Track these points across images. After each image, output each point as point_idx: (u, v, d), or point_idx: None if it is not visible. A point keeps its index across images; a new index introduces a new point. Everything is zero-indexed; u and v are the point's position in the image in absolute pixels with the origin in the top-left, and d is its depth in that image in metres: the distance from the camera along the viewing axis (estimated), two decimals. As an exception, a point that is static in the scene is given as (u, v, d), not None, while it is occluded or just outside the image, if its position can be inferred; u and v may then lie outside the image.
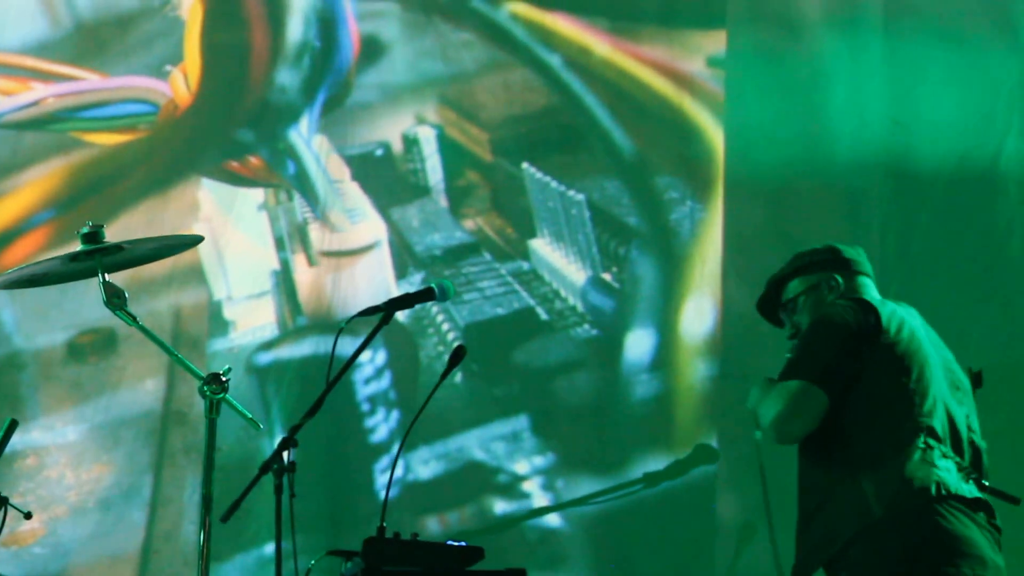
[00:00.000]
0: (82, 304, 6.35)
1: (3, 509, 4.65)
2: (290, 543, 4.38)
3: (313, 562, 4.86)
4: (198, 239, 5.41)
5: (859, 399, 4.27)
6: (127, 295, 4.60)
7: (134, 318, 4.57)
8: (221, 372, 4.48)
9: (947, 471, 4.09)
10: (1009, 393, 6.16)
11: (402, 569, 4.57)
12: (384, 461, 6.58)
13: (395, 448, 6.61)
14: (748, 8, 6.35)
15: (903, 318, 4.26)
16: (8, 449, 4.65)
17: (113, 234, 5.20)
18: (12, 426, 4.78)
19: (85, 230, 4.62)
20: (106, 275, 4.54)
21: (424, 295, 4.75)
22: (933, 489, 4.03)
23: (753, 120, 6.35)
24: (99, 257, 4.50)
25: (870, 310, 4.22)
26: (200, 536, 4.41)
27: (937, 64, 6.60)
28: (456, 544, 4.64)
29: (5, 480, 5.24)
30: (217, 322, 6.58)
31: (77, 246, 5.80)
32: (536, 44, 6.84)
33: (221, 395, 4.48)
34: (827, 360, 4.28)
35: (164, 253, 5.28)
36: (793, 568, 4.37)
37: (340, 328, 4.77)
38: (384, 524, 4.64)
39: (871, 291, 4.41)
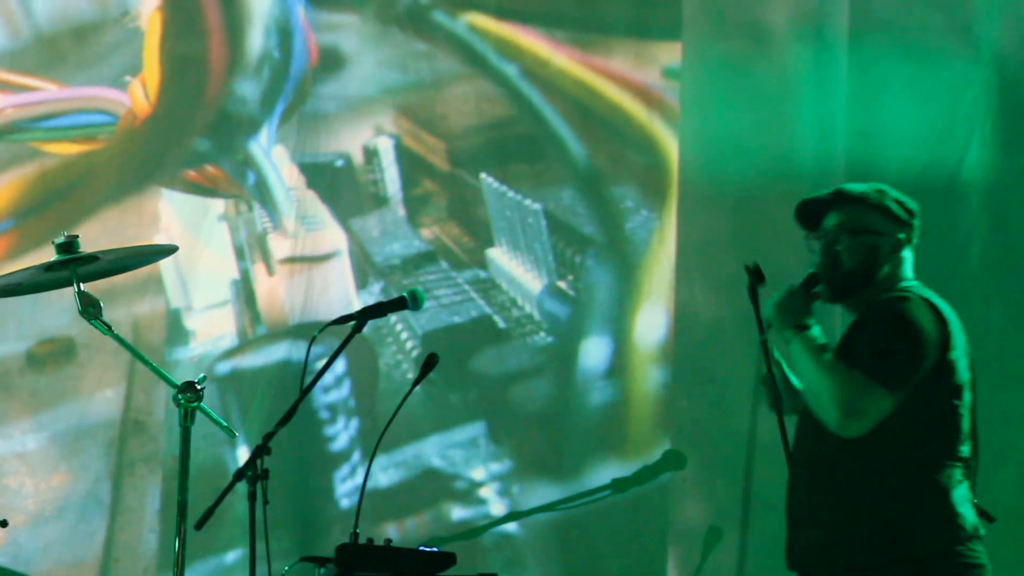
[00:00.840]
0: (40, 314, 6.35)
1: None
2: (262, 548, 4.35)
3: (287, 568, 4.96)
4: (173, 248, 5.29)
5: (913, 410, 4.13)
6: (103, 305, 4.63)
7: (109, 327, 4.58)
8: (196, 381, 4.50)
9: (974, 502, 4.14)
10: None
11: (374, 575, 4.60)
12: (345, 469, 6.54)
13: (355, 455, 6.57)
14: (710, 19, 6.30)
15: (961, 331, 4.18)
16: (-33, 459, 4.77)
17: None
18: None
19: (60, 240, 4.62)
20: (81, 285, 4.55)
21: (397, 304, 4.83)
22: (977, 529, 4.01)
23: (714, 130, 6.31)
24: (74, 267, 4.50)
25: (942, 320, 4.12)
26: (176, 542, 4.46)
27: (900, 76, 6.60)
28: (428, 550, 4.71)
29: None
30: (176, 331, 6.54)
31: (37, 255, 5.82)
32: (494, 55, 6.82)
33: (196, 403, 4.48)
34: (906, 369, 4.15)
35: (139, 263, 5.30)
36: (826, 551, 4.15)
37: (313, 337, 4.86)
38: (357, 530, 4.66)
39: (911, 270, 4.28)
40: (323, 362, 6.41)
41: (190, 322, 6.52)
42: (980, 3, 6.81)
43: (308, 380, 4.80)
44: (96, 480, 6.42)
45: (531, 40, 6.82)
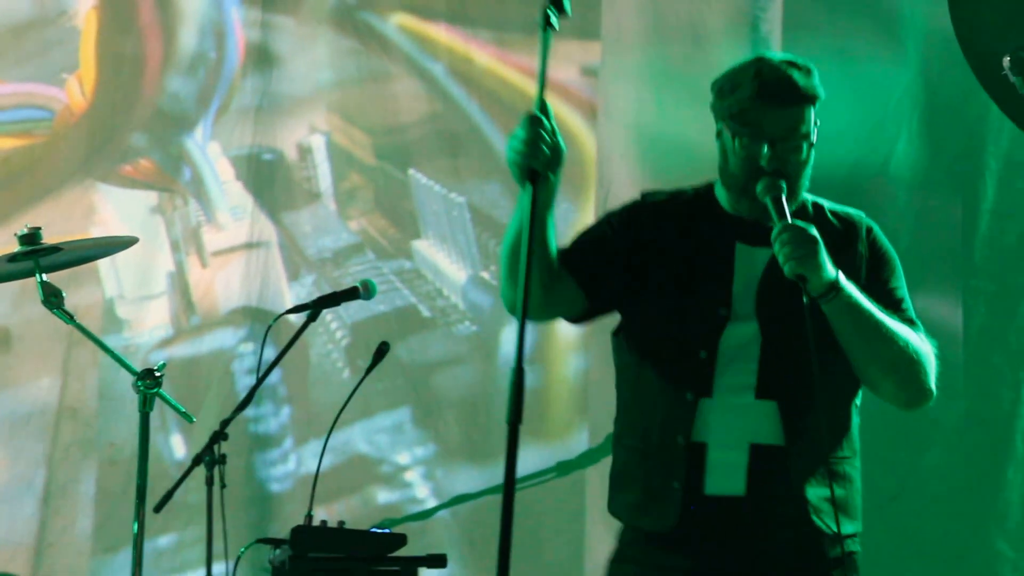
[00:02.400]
0: None
1: None
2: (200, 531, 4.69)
3: (243, 549, 5.12)
4: (133, 240, 5.39)
5: None
6: (64, 295, 4.82)
7: (71, 316, 4.82)
8: (155, 368, 4.74)
9: None
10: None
11: (328, 555, 4.80)
12: (274, 454, 6.53)
13: (287, 442, 6.54)
14: (638, 18, 6.34)
15: None
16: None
17: (7, 236, 5.64)
18: None
19: (23, 232, 4.75)
20: (42, 275, 4.74)
21: (350, 293, 5.05)
22: None
23: (639, 127, 6.33)
24: (36, 258, 4.67)
25: None
26: (135, 525, 4.65)
27: (832, 76, 6.51)
28: (380, 531, 4.97)
29: None
30: (111, 321, 6.52)
31: None
32: (420, 54, 6.83)
33: (155, 390, 4.71)
34: None
35: (100, 254, 5.54)
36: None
37: (269, 326, 5.25)
38: (311, 513, 4.86)
39: None
40: (247, 347, 6.64)
41: (124, 312, 6.50)
42: (906, 7, 6.77)
43: (263, 368, 5.02)
44: (30, 466, 6.43)
45: (455, 40, 6.83)
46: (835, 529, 3.41)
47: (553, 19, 3.26)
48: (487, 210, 6.76)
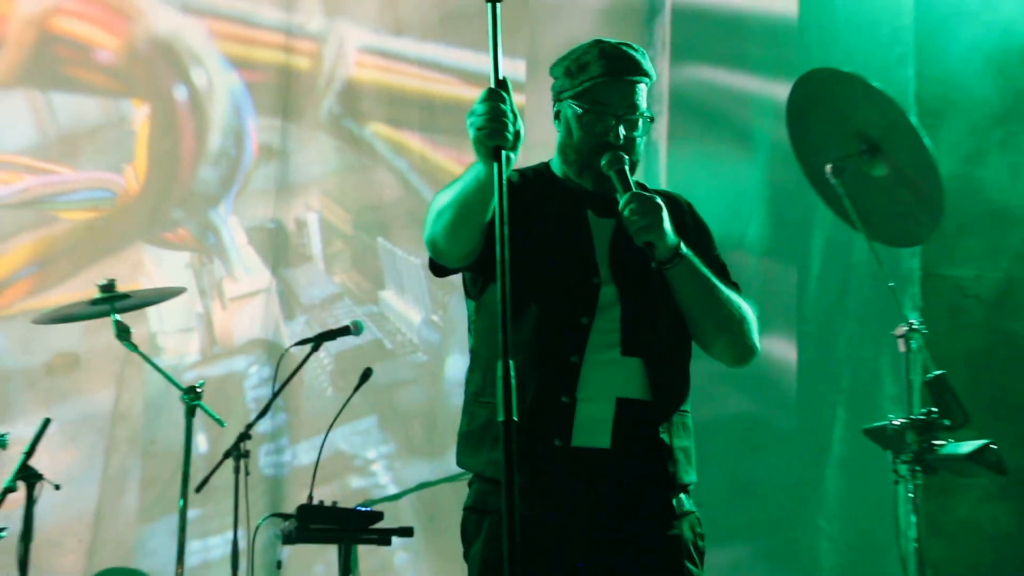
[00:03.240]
0: (55, 336, 6.65)
1: (38, 482, 5.21)
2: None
3: (260, 521, 5.78)
4: (182, 289, 6.03)
5: None
6: (130, 330, 5.48)
7: (135, 345, 5.49)
8: (196, 385, 5.43)
9: None
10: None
11: (325, 527, 5.36)
12: (269, 447, 6.81)
13: (283, 440, 6.90)
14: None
15: None
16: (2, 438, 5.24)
17: (82, 287, 6.58)
18: (46, 424, 5.35)
19: (103, 283, 5.38)
20: (116, 315, 5.38)
21: (344, 330, 5.65)
22: None
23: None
24: (112, 303, 5.32)
25: None
26: (180, 501, 5.34)
27: (703, 173, 6.96)
28: (363, 509, 5.43)
29: (2, 461, 5.45)
30: (154, 348, 6.73)
31: (55, 292, 6.82)
32: (390, 152, 7.28)
33: (196, 401, 5.41)
34: None
35: (157, 300, 6.00)
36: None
37: (282, 355, 5.92)
38: (311, 495, 5.41)
39: None
40: (251, 369, 6.98)
41: (163, 341, 6.83)
42: (756, 125, 7.25)
43: (276, 385, 5.70)
44: (92, 457, 6.76)
45: (416, 143, 7.27)
46: (686, 479, 3.39)
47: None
48: None
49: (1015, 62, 7.36)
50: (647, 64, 3.50)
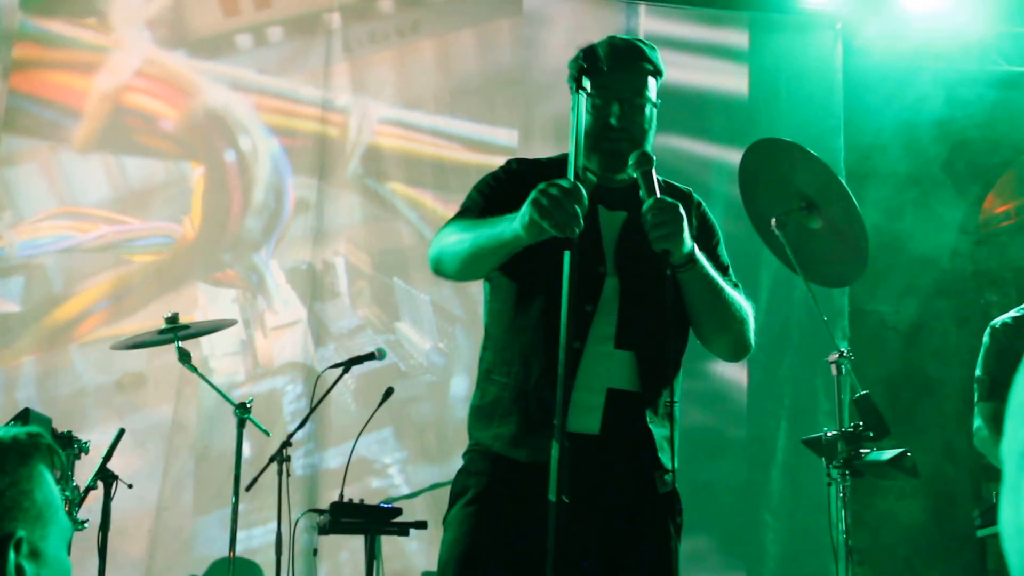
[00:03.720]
0: (125, 359, 6.62)
1: (114, 482, 5.19)
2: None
3: (300, 515, 5.88)
4: (233, 322, 6.05)
5: None
6: (191, 355, 5.45)
7: (195, 368, 5.49)
8: (247, 401, 5.44)
9: None
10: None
11: (354, 520, 5.40)
12: (300, 451, 6.67)
13: (311, 444, 6.77)
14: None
15: None
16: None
17: (148, 319, 6.68)
18: (121, 433, 5.28)
19: (168, 316, 5.38)
20: (179, 343, 5.37)
21: (370, 356, 5.67)
22: None
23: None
24: (176, 332, 5.35)
25: None
26: (233, 497, 5.31)
27: None
28: (385, 506, 5.48)
29: (84, 464, 5.30)
30: (206, 369, 6.60)
31: (128, 322, 6.78)
32: (406, 207, 7.28)
33: (247, 415, 5.41)
34: None
35: (213, 330, 5.99)
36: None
37: (318, 376, 5.97)
38: (342, 493, 5.45)
39: None
40: (290, 387, 6.94)
41: (214, 364, 6.76)
42: (715, 185, 7.13)
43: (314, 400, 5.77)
44: (154, 460, 6.72)
45: (429, 199, 7.26)
46: (670, 465, 3.17)
47: (586, 82, 2.99)
48: (443, 304, 7.11)
49: (924, 135, 7.53)
50: (656, 57, 3.25)
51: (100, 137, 7.08)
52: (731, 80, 7.59)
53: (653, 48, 3.25)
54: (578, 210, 2.77)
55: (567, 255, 2.73)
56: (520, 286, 3.16)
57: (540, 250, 2.93)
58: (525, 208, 2.84)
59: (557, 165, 3.12)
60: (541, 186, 2.82)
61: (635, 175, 3.07)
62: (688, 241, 3.01)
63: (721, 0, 7.60)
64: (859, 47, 7.60)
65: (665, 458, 3.16)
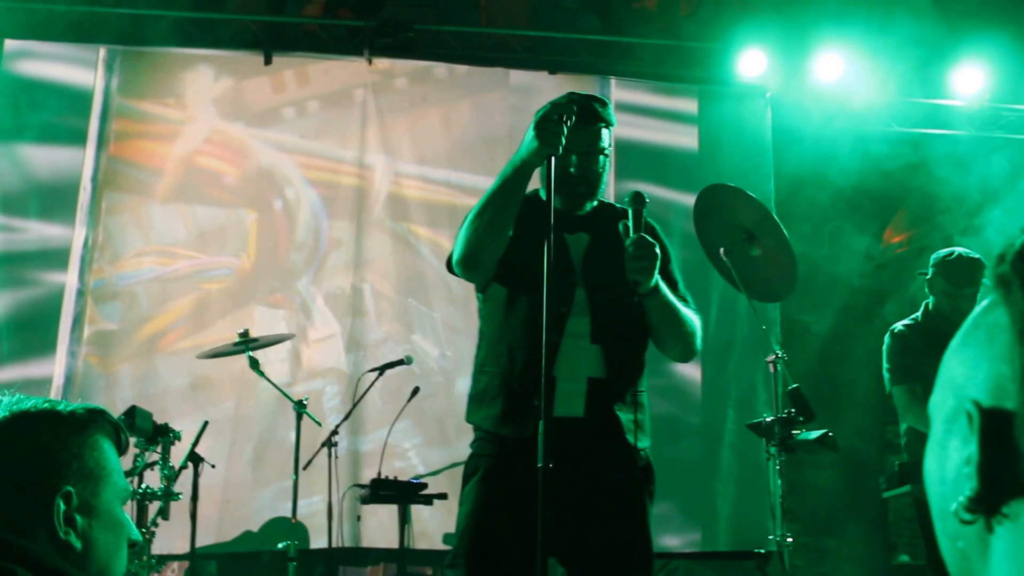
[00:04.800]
0: (197, 365, 6.50)
1: (200, 463, 5.16)
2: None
3: (345, 491, 5.94)
4: (292, 336, 6.19)
5: None
6: (260, 361, 5.37)
7: (263, 373, 5.46)
8: (303, 399, 5.45)
9: None
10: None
11: (390, 492, 5.46)
12: (341, 437, 6.19)
13: (342, 431, 6.27)
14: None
15: None
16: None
17: (217, 333, 6.66)
18: (205, 425, 5.20)
19: (241, 331, 5.36)
20: (251, 353, 5.31)
21: (399, 362, 5.66)
22: None
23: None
24: (247, 345, 5.31)
25: None
26: (294, 475, 5.34)
27: None
28: (415, 481, 5.53)
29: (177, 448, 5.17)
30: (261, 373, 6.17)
31: (201, 335, 6.78)
32: (419, 242, 7.21)
33: (304, 409, 5.42)
34: None
35: (276, 342, 5.80)
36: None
37: (358, 380, 5.96)
38: (380, 470, 5.50)
39: None
40: (330, 388, 6.90)
41: (266, 369, 6.06)
42: (673, 212, 7.04)
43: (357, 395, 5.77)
44: (224, 445, 6.66)
45: (443, 239, 7.10)
46: (639, 444, 3.11)
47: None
48: (449, 320, 7.06)
49: (836, 180, 7.57)
50: (608, 112, 3.18)
51: (178, 191, 7.14)
52: (685, 138, 7.67)
53: (606, 104, 3.18)
54: (564, 129, 2.85)
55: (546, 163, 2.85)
56: (508, 291, 3.11)
57: (520, 265, 2.97)
58: (529, 133, 2.91)
59: (530, 197, 3.12)
60: (538, 116, 2.92)
61: (628, 210, 3.05)
62: (656, 276, 2.98)
63: (676, 75, 7.72)
64: (784, 110, 7.72)
65: (631, 438, 3.07)
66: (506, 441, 3.03)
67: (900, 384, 4.86)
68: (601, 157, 3.14)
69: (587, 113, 3.08)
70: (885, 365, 5.00)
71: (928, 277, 4.92)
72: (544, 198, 2.94)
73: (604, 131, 3.15)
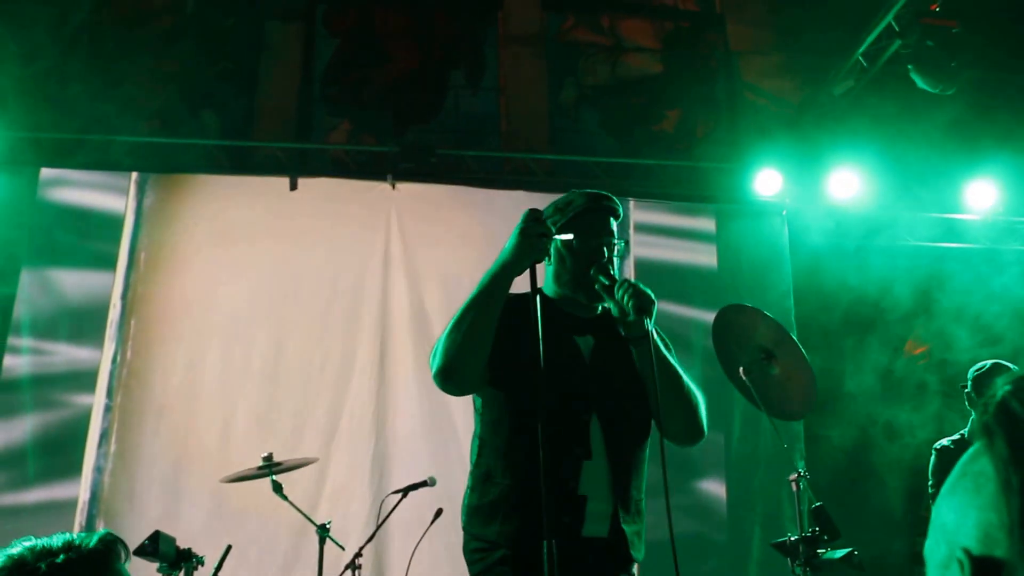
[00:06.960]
0: (221, 486, 6.01)
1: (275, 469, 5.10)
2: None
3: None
4: (315, 459, 5.83)
5: None
6: (282, 486, 5.23)
7: (286, 496, 5.29)
8: (326, 523, 5.32)
9: None
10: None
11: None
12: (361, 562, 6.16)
13: (374, 550, 6.49)
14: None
15: None
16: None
17: (241, 455, 6.36)
18: (228, 549, 4.85)
19: (265, 455, 5.24)
20: (274, 476, 5.15)
21: (423, 483, 5.52)
22: None
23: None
24: (271, 468, 5.18)
25: None
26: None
27: None
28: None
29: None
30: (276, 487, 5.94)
31: (226, 460, 6.52)
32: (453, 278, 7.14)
33: (326, 533, 5.30)
34: None
35: (298, 466, 5.59)
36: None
37: (383, 499, 5.93)
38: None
39: None
40: (338, 507, 6.74)
41: (290, 488, 5.70)
42: (693, 337, 7.09)
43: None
44: (249, 568, 6.50)
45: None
46: (638, 556, 2.99)
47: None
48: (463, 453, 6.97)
49: (854, 295, 7.60)
50: (618, 206, 3.17)
51: (202, 316, 7.30)
52: (703, 256, 7.63)
53: (616, 201, 3.19)
54: (546, 230, 2.81)
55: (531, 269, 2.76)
56: (513, 401, 2.94)
57: (529, 371, 2.66)
58: (512, 238, 2.83)
59: (525, 297, 2.86)
60: (521, 222, 2.84)
61: (598, 278, 3.05)
62: (650, 323, 2.87)
63: (694, 195, 7.72)
64: (801, 227, 7.72)
65: (634, 552, 2.96)
66: (522, 560, 2.84)
67: None
68: (618, 246, 3.13)
69: (602, 200, 3.13)
70: (929, 480, 4.98)
71: (968, 390, 4.94)
72: (546, 295, 2.98)
73: (615, 221, 3.17)
